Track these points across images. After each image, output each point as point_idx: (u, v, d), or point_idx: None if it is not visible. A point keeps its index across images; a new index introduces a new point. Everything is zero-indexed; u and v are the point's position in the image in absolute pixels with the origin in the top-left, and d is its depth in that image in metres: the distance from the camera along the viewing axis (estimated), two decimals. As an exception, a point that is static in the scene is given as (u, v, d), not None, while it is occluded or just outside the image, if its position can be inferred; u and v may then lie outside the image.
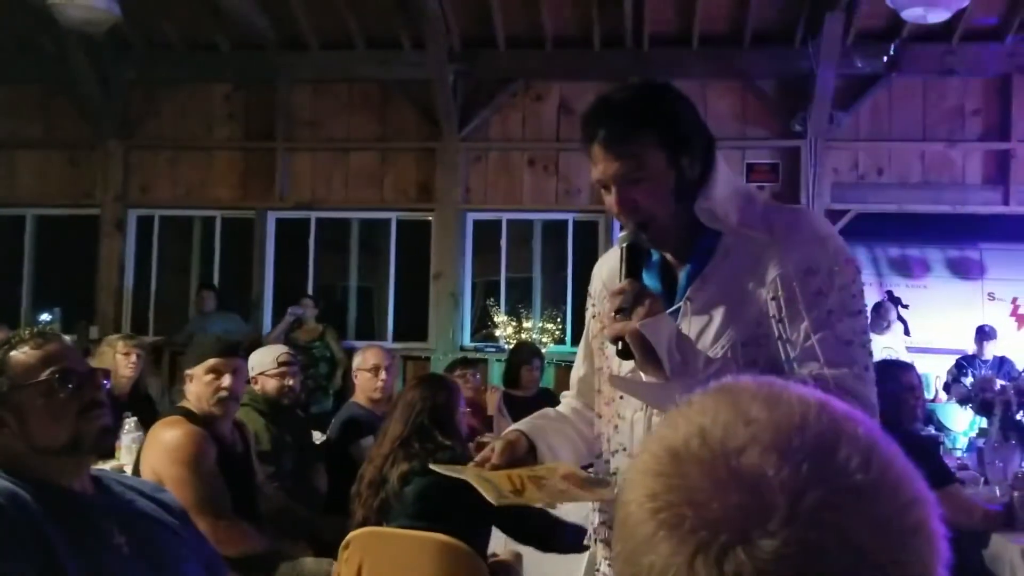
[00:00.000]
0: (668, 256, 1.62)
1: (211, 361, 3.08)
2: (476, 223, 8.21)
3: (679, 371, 1.40)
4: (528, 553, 3.23)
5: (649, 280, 1.60)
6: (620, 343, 1.44)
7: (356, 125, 8.24)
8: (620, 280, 1.50)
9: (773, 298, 1.47)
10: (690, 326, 1.52)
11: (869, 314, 8.03)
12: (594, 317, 1.76)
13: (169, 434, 2.95)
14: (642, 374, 1.47)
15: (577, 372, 1.84)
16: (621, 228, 1.60)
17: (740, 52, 7.58)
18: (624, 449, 1.60)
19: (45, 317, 8.70)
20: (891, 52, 7.21)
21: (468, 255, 8.16)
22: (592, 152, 1.51)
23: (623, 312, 1.43)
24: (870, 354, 1.50)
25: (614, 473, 1.62)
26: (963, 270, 8.70)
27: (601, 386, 1.70)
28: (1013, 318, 8.59)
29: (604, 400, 1.68)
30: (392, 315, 8.36)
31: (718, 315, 1.50)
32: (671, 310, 1.52)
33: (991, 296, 8.64)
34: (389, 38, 7.80)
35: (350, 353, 7.62)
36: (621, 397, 1.60)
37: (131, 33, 7.79)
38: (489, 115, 8.03)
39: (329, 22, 7.74)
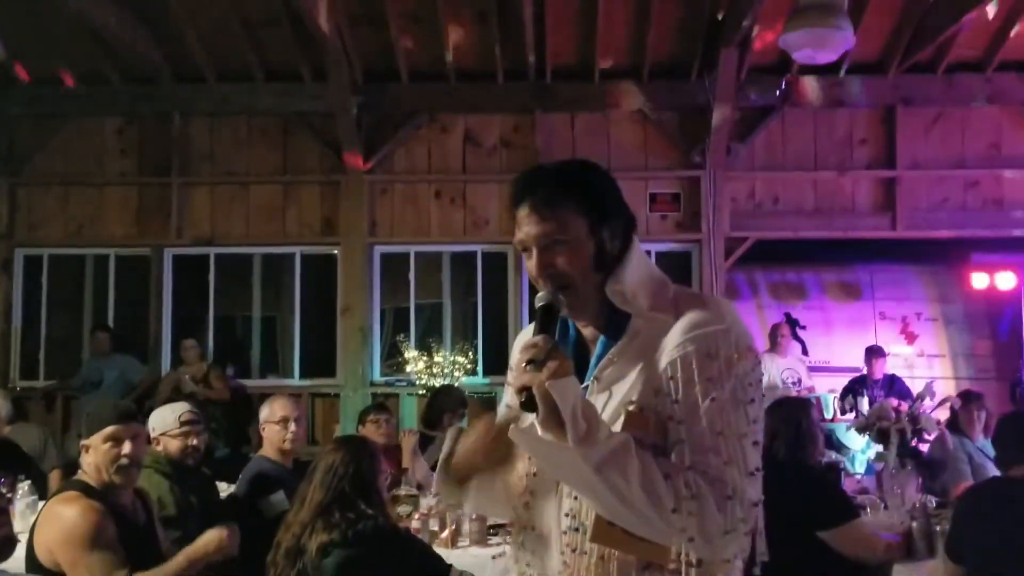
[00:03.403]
0: (583, 332, 1.64)
1: (109, 429, 2.96)
2: (384, 256, 8.13)
3: (582, 440, 1.39)
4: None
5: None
6: (524, 394, 1.42)
7: (256, 159, 8.05)
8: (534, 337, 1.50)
9: (671, 378, 1.49)
10: (596, 403, 1.53)
11: (767, 338, 8.01)
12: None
13: (66, 512, 2.81)
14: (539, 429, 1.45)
15: None
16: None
17: (640, 86, 7.74)
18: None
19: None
20: (783, 86, 7.49)
21: (376, 289, 8.06)
22: (518, 215, 1.57)
23: (533, 364, 1.42)
24: (756, 443, 1.50)
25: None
26: (855, 292, 9.11)
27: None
28: (903, 336, 9.04)
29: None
30: (298, 351, 8.18)
31: (618, 393, 1.53)
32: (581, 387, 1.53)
33: (882, 315, 9.07)
34: (289, 70, 7.66)
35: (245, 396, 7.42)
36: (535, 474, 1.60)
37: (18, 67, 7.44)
38: (394, 147, 7.96)
39: (226, 54, 7.55)
